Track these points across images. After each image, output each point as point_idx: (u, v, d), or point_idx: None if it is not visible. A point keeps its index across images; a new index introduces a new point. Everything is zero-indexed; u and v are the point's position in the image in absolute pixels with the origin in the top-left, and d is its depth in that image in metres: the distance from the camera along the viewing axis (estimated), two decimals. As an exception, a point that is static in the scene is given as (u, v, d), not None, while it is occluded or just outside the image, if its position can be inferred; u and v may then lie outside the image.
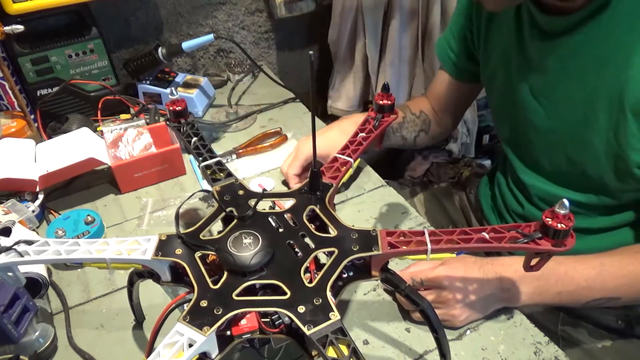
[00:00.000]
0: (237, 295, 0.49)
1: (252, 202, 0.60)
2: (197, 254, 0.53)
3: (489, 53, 0.85)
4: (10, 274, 0.54)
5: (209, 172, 0.65)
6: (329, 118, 1.56)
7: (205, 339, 0.45)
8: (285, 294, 0.49)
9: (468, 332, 0.68)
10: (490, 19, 0.82)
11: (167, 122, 0.74)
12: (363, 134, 0.69)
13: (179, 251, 0.53)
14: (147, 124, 1.01)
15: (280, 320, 0.48)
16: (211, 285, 0.50)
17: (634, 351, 0.78)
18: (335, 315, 0.47)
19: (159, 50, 1.10)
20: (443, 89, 0.99)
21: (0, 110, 1.03)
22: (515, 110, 0.80)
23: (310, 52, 0.49)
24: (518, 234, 0.50)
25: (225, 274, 0.51)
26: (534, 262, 0.52)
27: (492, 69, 0.85)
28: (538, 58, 0.73)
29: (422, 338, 0.67)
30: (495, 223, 0.96)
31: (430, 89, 1.03)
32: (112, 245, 0.53)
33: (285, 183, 0.96)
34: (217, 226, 0.60)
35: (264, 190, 0.63)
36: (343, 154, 0.67)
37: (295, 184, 0.88)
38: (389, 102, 0.70)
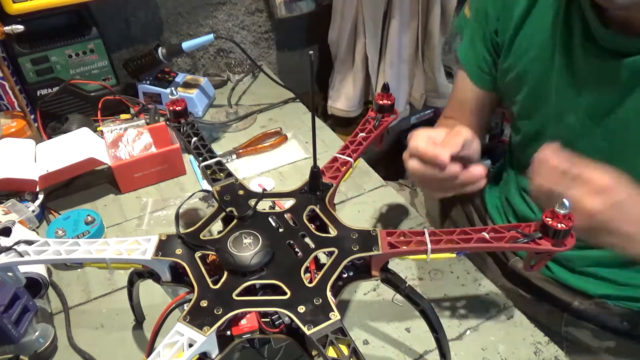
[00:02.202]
0: (237, 295, 0.49)
1: (252, 202, 0.60)
2: (197, 254, 0.53)
3: (514, 59, 0.77)
4: (10, 274, 0.54)
5: (209, 172, 0.65)
6: (329, 118, 1.56)
7: (205, 339, 0.45)
8: (285, 294, 0.49)
9: (468, 332, 0.68)
10: (524, 21, 0.73)
11: (167, 122, 0.74)
12: (363, 134, 0.69)
13: (179, 251, 0.53)
14: (147, 124, 1.01)
15: (280, 320, 0.48)
16: (211, 285, 0.50)
17: None
18: (335, 315, 0.47)
19: (159, 50, 1.10)
20: (473, 107, 0.87)
21: (0, 110, 1.03)
22: (549, 124, 0.75)
23: (310, 52, 0.49)
24: (518, 234, 0.50)
25: (225, 274, 0.51)
26: (533, 262, 0.52)
27: (517, 76, 0.77)
28: (592, 76, 0.66)
29: (422, 338, 0.67)
30: (501, 223, 0.95)
31: (454, 114, 0.90)
32: (112, 245, 0.53)
33: (285, 183, 0.96)
34: (217, 226, 0.60)
35: (264, 190, 0.63)
36: (343, 154, 0.67)
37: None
38: (389, 102, 0.70)
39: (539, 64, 0.73)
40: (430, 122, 1.72)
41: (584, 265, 0.79)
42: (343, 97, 1.50)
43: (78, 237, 0.78)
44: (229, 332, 0.48)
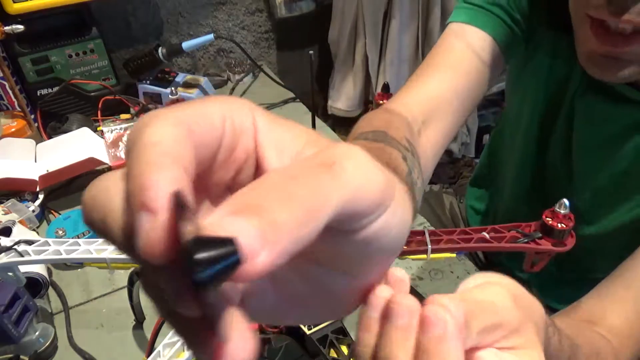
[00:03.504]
0: (237, 295, 0.49)
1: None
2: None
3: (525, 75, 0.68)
4: (10, 273, 0.54)
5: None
6: (329, 118, 1.56)
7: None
8: (286, 293, 0.49)
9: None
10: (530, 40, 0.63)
11: (167, 122, 0.74)
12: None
13: (179, 251, 0.53)
14: (147, 124, 1.01)
15: (281, 320, 0.48)
16: (211, 285, 0.50)
17: None
18: (335, 315, 0.47)
19: (159, 50, 1.11)
20: (473, 79, 0.59)
21: (1, 110, 1.03)
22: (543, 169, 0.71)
23: (310, 52, 0.49)
24: (518, 234, 0.50)
25: (226, 273, 0.51)
26: (534, 262, 0.52)
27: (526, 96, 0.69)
28: (596, 116, 0.62)
29: (422, 338, 0.67)
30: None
31: (420, 93, 0.57)
32: (112, 245, 0.53)
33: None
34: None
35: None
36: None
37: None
38: (389, 102, 0.70)
39: (534, 100, 0.67)
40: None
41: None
42: (343, 97, 1.50)
43: (78, 237, 0.78)
44: (229, 332, 0.48)
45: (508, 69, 0.75)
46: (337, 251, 0.19)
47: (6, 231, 0.75)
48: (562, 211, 0.47)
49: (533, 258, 0.52)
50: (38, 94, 1.06)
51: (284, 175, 0.16)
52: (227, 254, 0.13)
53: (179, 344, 0.45)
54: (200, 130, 0.17)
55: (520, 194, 0.79)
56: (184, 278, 0.13)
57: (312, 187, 0.15)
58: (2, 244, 0.52)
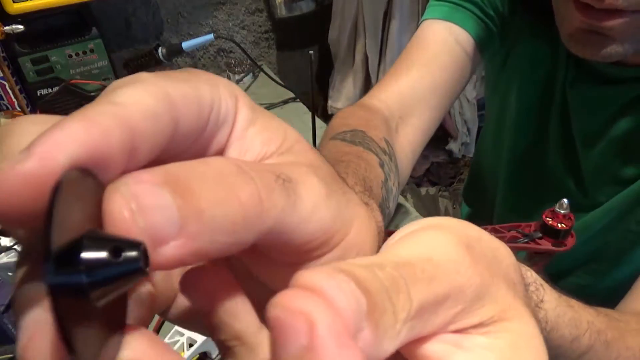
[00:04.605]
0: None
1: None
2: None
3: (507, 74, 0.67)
4: (10, 273, 0.54)
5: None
6: (329, 118, 1.56)
7: (205, 338, 0.45)
8: (286, 293, 0.49)
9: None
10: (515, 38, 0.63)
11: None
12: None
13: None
14: (147, 123, 1.01)
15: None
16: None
17: None
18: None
19: (159, 50, 1.11)
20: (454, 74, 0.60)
21: (0, 110, 1.03)
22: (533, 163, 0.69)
23: (310, 52, 0.49)
24: (518, 234, 0.50)
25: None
26: (535, 261, 0.52)
27: (502, 93, 0.69)
28: (584, 103, 0.60)
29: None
30: None
31: (394, 88, 0.58)
32: None
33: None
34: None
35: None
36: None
37: None
38: (389, 102, 0.70)
39: (521, 92, 0.65)
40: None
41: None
42: (343, 97, 1.50)
43: (78, 237, 0.78)
44: (229, 332, 0.48)
45: (485, 75, 0.74)
46: (273, 273, 0.16)
47: (6, 231, 0.75)
48: (562, 211, 0.47)
49: (533, 258, 0.52)
50: (38, 94, 1.06)
51: (232, 166, 0.13)
52: (127, 260, 0.10)
53: (179, 343, 0.45)
54: (186, 119, 0.13)
55: (514, 199, 0.77)
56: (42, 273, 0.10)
57: (258, 191, 0.13)
58: (2, 244, 0.52)
